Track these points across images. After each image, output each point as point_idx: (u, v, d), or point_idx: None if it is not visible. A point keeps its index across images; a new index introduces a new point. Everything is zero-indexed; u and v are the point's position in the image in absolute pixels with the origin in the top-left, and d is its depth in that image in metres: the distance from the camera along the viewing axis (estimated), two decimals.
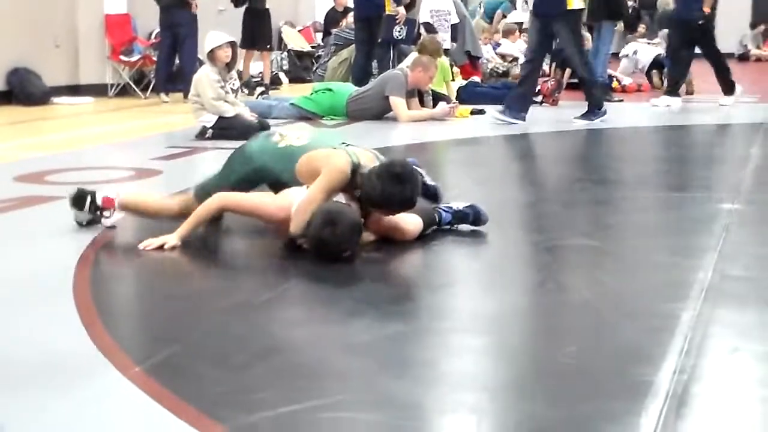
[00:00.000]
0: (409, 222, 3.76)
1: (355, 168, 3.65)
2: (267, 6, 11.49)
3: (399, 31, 10.35)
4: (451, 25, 11.50)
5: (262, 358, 2.58)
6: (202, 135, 7.20)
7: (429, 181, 4.26)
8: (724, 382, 2.38)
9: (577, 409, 2.21)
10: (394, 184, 3.50)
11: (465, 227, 3.93)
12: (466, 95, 9.87)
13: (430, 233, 3.85)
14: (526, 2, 16.80)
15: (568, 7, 8.09)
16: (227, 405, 2.22)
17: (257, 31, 11.16)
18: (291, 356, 2.59)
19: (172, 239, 3.68)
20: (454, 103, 9.04)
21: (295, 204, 3.63)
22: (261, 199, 3.77)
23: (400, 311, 3.03)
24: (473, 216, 3.92)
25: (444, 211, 3.91)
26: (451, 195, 4.65)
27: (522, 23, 13.86)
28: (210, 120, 7.18)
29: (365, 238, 3.68)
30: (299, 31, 14.59)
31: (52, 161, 6.28)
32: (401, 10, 10.58)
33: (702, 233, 4.00)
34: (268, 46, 11.59)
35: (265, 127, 7.26)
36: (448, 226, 3.90)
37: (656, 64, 12.30)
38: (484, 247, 3.88)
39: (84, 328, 2.78)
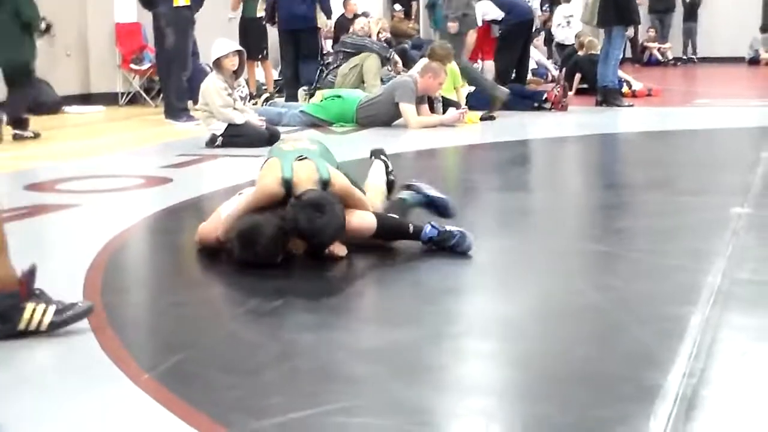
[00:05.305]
0: (361, 218, 3.70)
1: (288, 183, 3.64)
2: (261, 15, 11.61)
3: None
4: None
5: (272, 364, 2.59)
6: (212, 143, 7.23)
7: (434, 193, 4.15)
8: (733, 386, 2.38)
9: (586, 413, 2.22)
10: (303, 221, 3.47)
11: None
12: (475, 101, 9.88)
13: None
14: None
15: (174, 4, 9.08)
16: (238, 411, 2.23)
17: (250, 41, 11.25)
18: (301, 362, 2.59)
19: None
20: (464, 109, 9.05)
21: (222, 214, 3.71)
22: (204, 226, 3.80)
23: (409, 317, 3.03)
24: (457, 239, 3.69)
25: (432, 226, 3.72)
26: (463, 201, 4.67)
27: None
28: (219, 128, 7.21)
29: (339, 252, 3.67)
30: None
31: (63, 170, 6.31)
32: (330, 22, 10.97)
33: (711, 237, 3.99)
34: (260, 56, 11.68)
35: (274, 134, 7.29)
36: (429, 243, 3.72)
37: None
38: (493, 252, 3.88)
39: (94, 334, 2.79)
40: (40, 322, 2.75)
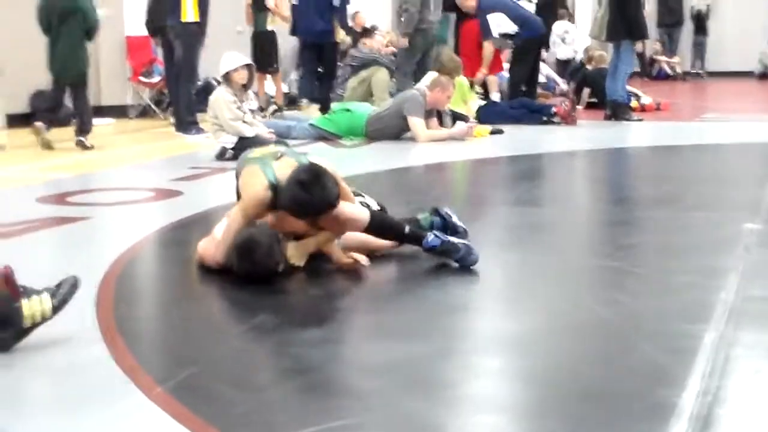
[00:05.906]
0: (353, 208, 3.70)
1: (275, 186, 3.62)
2: (271, 28, 11.69)
3: None
4: None
5: (282, 379, 2.58)
6: (222, 156, 7.24)
7: (457, 221, 4.11)
8: (748, 404, 2.36)
9: (599, 431, 2.20)
10: (300, 192, 3.49)
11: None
12: (484, 115, 9.89)
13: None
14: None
15: (182, 19, 8.96)
16: (248, 426, 2.22)
17: (260, 54, 11.30)
18: (310, 377, 2.59)
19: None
20: (473, 122, 9.04)
21: (218, 236, 3.69)
22: (203, 247, 3.77)
23: (418, 332, 3.02)
24: (463, 253, 3.67)
25: (435, 235, 3.71)
26: (472, 215, 4.65)
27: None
28: (230, 141, 7.21)
29: (341, 260, 3.70)
30: None
31: (73, 182, 6.32)
32: (348, 39, 11.06)
33: (723, 253, 3.98)
34: (270, 69, 11.74)
35: None
36: (430, 251, 3.71)
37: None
38: (502, 268, 3.87)
39: (106, 347, 2.79)
40: (43, 312, 2.76)
